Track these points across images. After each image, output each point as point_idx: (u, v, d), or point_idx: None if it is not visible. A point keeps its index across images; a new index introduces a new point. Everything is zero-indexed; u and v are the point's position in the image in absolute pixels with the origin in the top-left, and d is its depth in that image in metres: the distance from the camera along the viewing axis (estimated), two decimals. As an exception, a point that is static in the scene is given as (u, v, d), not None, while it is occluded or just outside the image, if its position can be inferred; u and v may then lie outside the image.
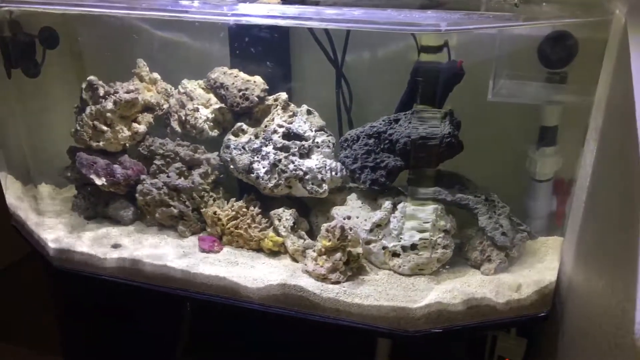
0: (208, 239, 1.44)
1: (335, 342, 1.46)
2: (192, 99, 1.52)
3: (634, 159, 0.84)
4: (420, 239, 1.28)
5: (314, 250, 1.32)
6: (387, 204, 1.33)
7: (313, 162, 1.40)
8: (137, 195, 1.49)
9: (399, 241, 1.30)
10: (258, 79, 1.49)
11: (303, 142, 1.41)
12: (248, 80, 1.48)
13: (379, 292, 1.25)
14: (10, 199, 1.67)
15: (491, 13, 1.11)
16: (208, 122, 1.51)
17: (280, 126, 1.43)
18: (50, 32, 1.57)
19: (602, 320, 0.94)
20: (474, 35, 1.27)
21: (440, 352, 1.42)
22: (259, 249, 1.43)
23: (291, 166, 1.38)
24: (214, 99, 1.53)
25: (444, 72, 1.25)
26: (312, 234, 1.44)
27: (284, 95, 1.48)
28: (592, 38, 1.15)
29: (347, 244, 1.29)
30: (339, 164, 1.41)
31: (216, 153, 1.52)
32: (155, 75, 1.59)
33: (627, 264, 0.82)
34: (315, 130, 1.44)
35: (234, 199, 1.48)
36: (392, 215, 1.32)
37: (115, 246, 1.46)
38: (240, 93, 1.47)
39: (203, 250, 1.43)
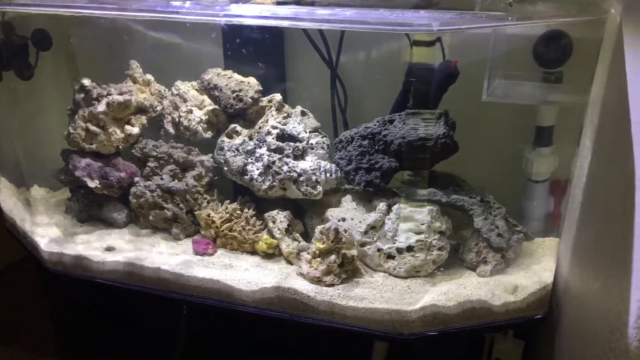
0: (202, 242, 1.43)
1: (332, 344, 1.45)
2: (185, 101, 1.51)
3: (629, 159, 0.83)
4: (415, 240, 1.27)
5: (308, 253, 1.31)
6: (382, 205, 1.32)
7: (307, 163, 1.39)
8: (130, 197, 1.48)
9: (394, 243, 1.29)
10: (252, 80, 1.48)
11: (297, 144, 1.40)
12: (242, 82, 1.47)
13: (374, 294, 1.24)
14: (4, 201, 1.66)
15: (485, 12, 1.11)
16: (202, 124, 1.50)
17: (275, 127, 1.42)
18: (43, 34, 1.57)
19: (597, 323, 0.92)
20: (468, 35, 1.26)
21: (437, 355, 1.41)
22: (254, 252, 1.42)
23: (285, 168, 1.37)
24: (207, 101, 1.52)
25: (439, 73, 1.24)
26: (307, 236, 1.43)
27: (278, 97, 1.47)
28: (587, 37, 1.15)
29: (342, 246, 1.28)
30: (333, 166, 1.40)
31: (210, 155, 1.51)
32: (149, 76, 1.59)
33: (622, 266, 0.81)
34: (310, 132, 1.43)
35: (228, 201, 1.47)
36: (387, 217, 1.31)
37: (109, 249, 1.45)
38: (234, 94, 1.46)
39: (197, 253, 1.42)
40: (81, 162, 1.48)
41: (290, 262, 1.38)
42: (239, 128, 1.48)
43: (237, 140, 1.45)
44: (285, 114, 1.46)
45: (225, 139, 1.47)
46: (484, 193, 1.34)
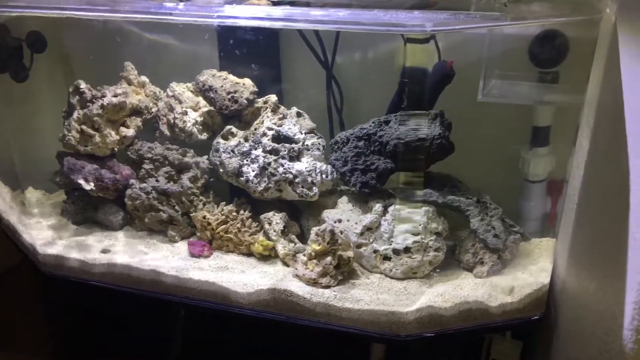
0: (198, 244, 1.42)
1: (330, 347, 1.45)
2: (180, 102, 1.51)
3: (623, 159, 0.82)
4: (412, 242, 1.26)
5: (304, 255, 1.31)
6: (378, 206, 1.32)
7: (303, 165, 1.39)
8: (126, 199, 1.48)
9: (390, 244, 1.28)
10: (247, 81, 1.48)
11: (293, 145, 1.40)
12: (237, 83, 1.47)
13: (370, 296, 1.24)
14: (0, 204, 1.66)
15: (479, 13, 1.10)
16: (197, 126, 1.50)
17: (270, 129, 1.42)
18: (37, 36, 1.56)
19: (593, 324, 0.92)
20: (463, 35, 1.26)
21: (435, 356, 1.41)
22: (250, 254, 1.42)
23: (281, 169, 1.37)
24: (203, 102, 1.52)
25: (434, 73, 1.24)
26: (304, 237, 1.43)
27: (273, 98, 1.47)
28: (582, 37, 1.14)
29: (338, 248, 1.28)
30: (329, 167, 1.39)
31: (205, 157, 1.51)
32: (144, 78, 1.58)
33: (617, 268, 0.81)
34: (305, 133, 1.43)
35: (223, 203, 1.47)
36: (383, 218, 1.31)
37: (105, 251, 1.45)
38: (229, 96, 1.46)
39: (193, 255, 1.41)
40: (76, 164, 1.48)
41: (286, 264, 1.37)
42: (234, 129, 1.48)
43: (233, 142, 1.45)
44: (281, 115, 1.45)
45: (221, 141, 1.46)
46: (481, 194, 1.34)
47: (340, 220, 1.35)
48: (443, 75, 1.25)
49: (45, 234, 1.53)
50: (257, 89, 1.47)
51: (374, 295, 1.24)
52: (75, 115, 1.46)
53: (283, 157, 1.39)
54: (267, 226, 1.40)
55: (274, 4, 1.28)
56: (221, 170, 1.44)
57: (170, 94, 1.53)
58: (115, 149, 1.52)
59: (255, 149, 1.40)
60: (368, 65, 1.48)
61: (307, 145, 1.41)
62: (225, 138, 1.47)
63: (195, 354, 1.59)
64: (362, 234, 1.32)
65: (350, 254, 1.30)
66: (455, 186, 1.34)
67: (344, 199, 1.40)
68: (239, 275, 1.34)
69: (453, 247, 1.35)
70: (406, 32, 1.08)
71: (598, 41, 1.08)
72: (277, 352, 1.54)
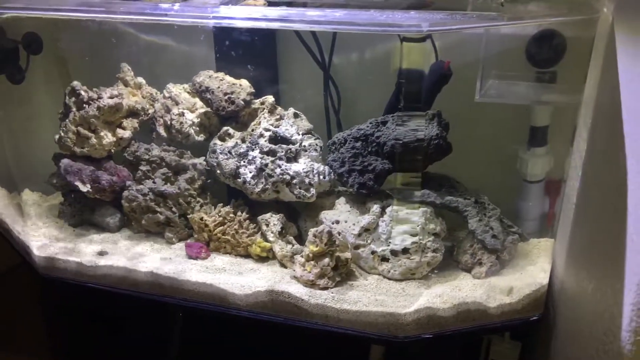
0: (195, 246, 1.42)
1: (329, 348, 1.44)
2: (177, 104, 1.50)
3: (621, 159, 0.82)
4: (410, 242, 1.26)
5: (301, 256, 1.30)
6: (376, 207, 1.31)
7: (300, 166, 1.38)
8: (123, 201, 1.47)
9: (388, 245, 1.28)
10: (244, 82, 1.47)
11: (290, 146, 1.39)
12: (234, 84, 1.46)
13: (368, 297, 1.24)
14: (-3, 206, 1.65)
15: (476, 13, 1.10)
16: (194, 127, 1.49)
17: (267, 130, 1.41)
18: (33, 37, 1.56)
19: (592, 325, 0.92)
20: (460, 35, 1.25)
21: (434, 357, 1.40)
22: (247, 255, 1.42)
23: (278, 170, 1.36)
24: (199, 103, 1.51)
25: (432, 73, 1.23)
26: (301, 238, 1.42)
27: (270, 99, 1.46)
28: (579, 37, 1.14)
29: (335, 249, 1.27)
30: (326, 168, 1.39)
31: (203, 158, 1.50)
32: (140, 79, 1.57)
33: (615, 268, 0.80)
34: (303, 134, 1.42)
35: (221, 204, 1.46)
36: (381, 219, 1.30)
37: (102, 253, 1.44)
38: (226, 97, 1.45)
39: (190, 257, 1.41)
40: (73, 166, 1.47)
41: (284, 266, 1.37)
42: (231, 130, 1.47)
43: (230, 143, 1.44)
44: (278, 116, 1.45)
45: (218, 142, 1.46)
46: (479, 194, 1.33)
47: (337, 222, 1.34)
48: (440, 75, 1.24)
49: (41, 236, 1.53)
50: (254, 90, 1.47)
51: (372, 297, 1.23)
52: (71, 116, 1.45)
53: (280, 158, 1.38)
54: (264, 227, 1.39)
55: (271, 4, 1.27)
56: (218, 171, 1.44)
57: (166, 95, 1.52)
58: (112, 151, 1.51)
59: (253, 150, 1.40)
60: (365, 66, 1.48)
61: (304, 146, 1.41)
62: (222, 139, 1.47)
63: (193, 356, 1.59)
64: (359, 235, 1.31)
65: (348, 255, 1.29)
66: (453, 187, 1.33)
67: (342, 200, 1.40)
68: (236, 277, 1.33)
69: (451, 248, 1.35)
70: (403, 33, 1.08)
71: (595, 41, 1.07)
72: (275, 354, 1.54)
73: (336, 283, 1.27)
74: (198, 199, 1.49)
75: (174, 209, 1.46)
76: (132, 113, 1.53)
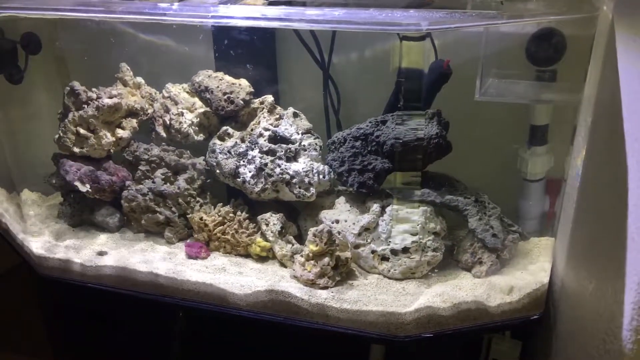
0: (195, 245, 1.41)
1: (328, 348, 1.44)
2: (176, 103, 1.50)
3: (622, 158, 0.82)
4: (410, 242, 1.26)
5: (301, 255, 1.30)
6: (375, 207, 1.31)
7: (300, 165, 1.38)
8: (122, 201, 1.47)
9: (388, 245, 1.28)
10: (243, 81, 1.47)
11: (289, 146, 1.39)
12: (233, 83, 1.46)
13: (368, 297, 1.23)
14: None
15: (476, 11, 1.09)
16: (193, 127, 1.49)
17: (267, 129, 1.41)
18: (32, 37, 1.55)
19: (592, 324, 0.91)
20: (460, 34, 1.25)
21: (434, 356, 1.40)
22: (247, 255, 1.41)
23: (277, 170, 1.36)
24: (199, 103, 1.51)
25: (431, 72, 1.23)
26: (301, 238, 1.42)
27: (269, 98, 1.46)
28: (579, 35, 1.13)
29: (335, 249, 1.27)
30: (326, 167, 1.39)
31: (202, 158, 1.50)
32: (139, 79, 1.57)
33: (616, 267, 0.80)
34: (302, 133, 1.42)
35: (220, 204, 1.46)
36: (381, 218, 1.30)
37: (101, 253, 1.44)
38: (225, 96, 1.45)
39: (190, 257, 1.41)
40: (72, 166, 1.47)
41: (283, 265, 1.37)
42: (230, 130, 1.47)
43: (229, 143, 1.44)
44: (277, 116, 1.44)
45: (217, 142, 1.46)
46: (479, 193, 1.33)
47: (337, 221, 1.34)
48: (440, 74, 1.24)
49: (41, 236, 1.52)
50: (253, 90, 1.47)
51: (372, 296, 1.23)
52: (70, 116, 1.45)
53: (280, 158, 1.38)
54: (264, 227, 1.39)
55: (270, 3, 1.27)
56: (218, 171, 1.44)
57: (166, 95, 1.52)
58: (111, 151, 1.51)
59: (252, 149, 1.40)
60: (365, 65, 1.48)
61: (304, 145, 1.40)
62: (222, 139, 1.47)
63: (193, 356, 1.59)
64: (359, 234, 1.31)
65: (348, 254, 1.29)
66: (453, 186, 1.33)
67: (342, 199, 1.39)
68: (236, 277, 1.33)
69: (451, 247, 1.35)
70: (402, 31, 1.07)
71: (595, 39, 1.07)
72: (275, 353, 1.54)
73: (336, 282, 1.27)
74: (197, 198, 1.49)
75: (173, 208, 1.46)
76: (131, 113, 1.53)
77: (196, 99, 1.51)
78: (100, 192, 1.48)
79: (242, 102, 1.44)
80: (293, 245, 1.37)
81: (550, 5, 1.12)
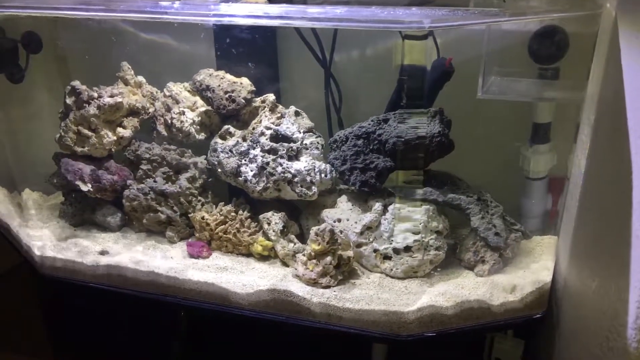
0: (196, 244, 1.41)
1: (331, 347, 1.44)
2: (178, 102, 1.50)
3: (626, 156, 0.81)
4: (413, 240, 1.25)
5: (303, 255, 1.30)
6: (378, 205, 1.31)
7: (302, 164, 1.37)
8: (124, 200, 1.47)
9: (390, 243, 1.27)
10: (245, 80, 1.47)
11: (291, 144, 1.39)
12: (234, 82, 1.46)
13: (371, 295, 1.23)
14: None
15: (478, 9, 1.09)
16: (194, 126, 1.49)
17: (268, 128, 1.41)
18: (32, 36, 1.55)
19: (596, 323, 0.91)
20: (462, 31, 1.25)
21: (437, 355, 1.40)
22: (249, 254, 1.41)
23: (279, 169, 1.36)
24: (200, 102, 1.50)
25: (433, 70, 1.23)
26: (303, 237, 1.42)
27: (271, 97, 1.45)
28: (582, 32, 1.13)
29: (337, 248, 1.27)
30: (328, 166, 1.38)
31: (203, 157, 1.50)
32: (141, 78, 1.57)
33: (620, 265, 0.80)
34: (304, 132, 1.42)
35: (222, 203, 1.46)
36: (383, 217, 1.30)
37: (103, 253, 1.44)
38: (227, 95, 1.45)
39: (192, 256, 1.40)
40: (73, 165, 1.47)
41: (285, 264, 1.36)
42: (232, 129, 1.47)
43: (231, 142, 1.44)
44: (279, 115, 1.44)
45: (219, 141, 1.45)
46: (481, 191, 1.33)
47: (339, 220, 1.34)
48: (442, 72, 1.23)
49: (42, 236, 1.52)
50: (254, 88, 1.46)
51: (375, 295, 1.23)
52: (71, 116, 1.45)
53: (282, 157, 1.38)
54: (266, 226, 1.39)
55: (271, 1, 1.27)
56: (219, 170, 1.43)
57: (167, 94, 1.52)
58: (113, 150, 1.51)
59: (254, 148, 1.39)
60: (366, 63, 1.47)
61: (305, 144, 1.40)
62: (223, 138, 1.46)
63: (194, 356, 1.59)
64: (362, 233, 1.31)
65: (350, 253, 1.29)
66: (455, 184, 1.33)
67: (344, 198, 1.39)
68: (238, 276, 1.33)
69: (454, 246, 1.35)
70: (404, 29, 1.07)
71: (598, 36, 1.07)
72: (277, 353, 1.54)
73: (338, 281, 1.27)
74: (199, 197, 1.49)
75: (175, 208, 1.46)
76: (133, 112, 1.53)
77: (197, 98, 1.51)
78: (101, 191, 1.47)
79: (243, 101, 1.44)
80: (295, 244, 1.37)
81: (552, 3, 1.12)
